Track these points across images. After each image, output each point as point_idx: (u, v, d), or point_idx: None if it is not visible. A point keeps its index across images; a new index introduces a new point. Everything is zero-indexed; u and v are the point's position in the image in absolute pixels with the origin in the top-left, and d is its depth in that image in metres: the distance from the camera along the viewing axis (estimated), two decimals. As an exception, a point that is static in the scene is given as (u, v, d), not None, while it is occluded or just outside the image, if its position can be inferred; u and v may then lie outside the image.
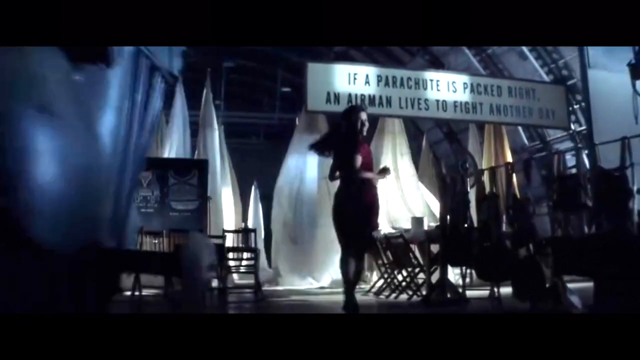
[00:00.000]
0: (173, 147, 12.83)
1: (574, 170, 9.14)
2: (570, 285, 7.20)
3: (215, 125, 13.55)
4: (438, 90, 12.27)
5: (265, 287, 12.24)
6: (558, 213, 7.37)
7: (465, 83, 12.51)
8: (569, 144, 15.30)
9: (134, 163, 4.51)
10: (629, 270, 5.76)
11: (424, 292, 9.25)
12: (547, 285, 7.19)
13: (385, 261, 10.28)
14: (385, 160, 13.56)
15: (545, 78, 14.68)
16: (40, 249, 3.30)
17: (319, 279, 12.53)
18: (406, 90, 12.00)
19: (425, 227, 10.23)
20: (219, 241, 9.47)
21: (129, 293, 9.09)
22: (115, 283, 4.63)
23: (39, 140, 3.38)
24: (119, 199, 4.36)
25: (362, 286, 11.53)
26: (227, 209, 14.31)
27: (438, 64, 15.76)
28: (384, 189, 13.33)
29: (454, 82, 12.43)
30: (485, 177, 8.43)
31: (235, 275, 12.16)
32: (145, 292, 9.31)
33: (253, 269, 9.64)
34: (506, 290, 7.97)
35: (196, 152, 13.29)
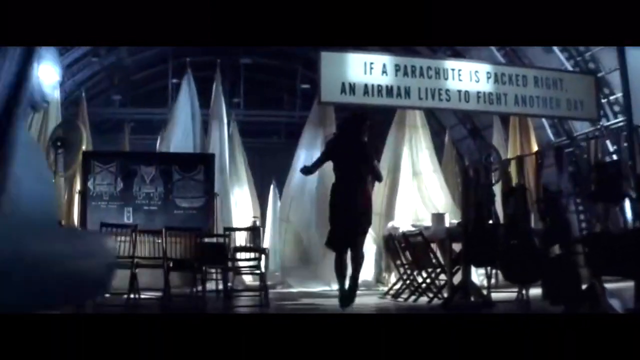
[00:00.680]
0: (174, 144, 12.08)
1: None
2: (609, 287, 6.35)
3: (225, 119, 12.77)
4: (460, 80, 11.31)
5: (277, 290, 11.46)
6: (596, 206, 6.44)
7: (488, 72, 11.55)
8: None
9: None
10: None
11: (445, 295, 8.49)
12: (584, 287, 6.37)
13: (404, 261, 9.47)
14: (404, 155, 12.69)
15: (572, 71, 13.74)
16: None
17: (331, 280, 11.65)
18: (426, 80, 11.08)
19: (447, 224, 9.32)
20: (220, 240, 8.62)
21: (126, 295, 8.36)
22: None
23: None
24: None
25: (380, 288, 10.71)
26: (241, 206, 13.64)
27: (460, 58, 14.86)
28: (403, 185, 12.56)
29: (476, 72, 11.47)
30: (512, 168, 7.52)
31: (250, 277, 11.28)
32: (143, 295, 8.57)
33: (257, 271, 8.77)
34: (535, 292, 7.33)
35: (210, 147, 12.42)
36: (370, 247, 11.00)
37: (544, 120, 15.13)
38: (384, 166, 12.78)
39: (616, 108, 14.08)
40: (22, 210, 1.59)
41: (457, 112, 18.24)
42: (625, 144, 7.41)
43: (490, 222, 7.70)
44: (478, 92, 11.34)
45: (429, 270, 8.85)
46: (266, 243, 13.61)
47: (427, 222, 10.41)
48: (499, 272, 8.43)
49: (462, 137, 18.21)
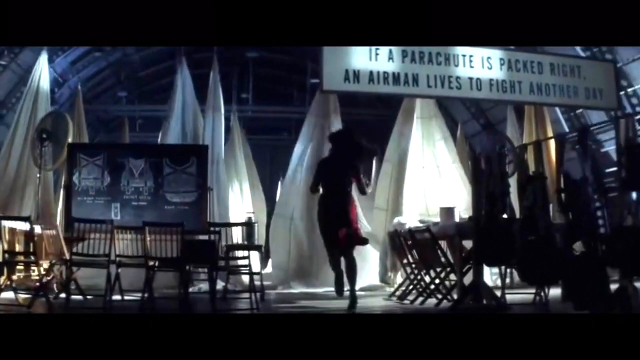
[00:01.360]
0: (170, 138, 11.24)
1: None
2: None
3: (222, 109, 11.83)
4: (471, 67, 10.38)
5: (278, 291, 10.54)
6: (626, 195, 5.46)
7: (501, 59, 10.59)
8: (613, 134, 13.35)
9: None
10: None
11: (455, 296, 7.65)
12: (612, 289, 5.54)
13: (411, 260, 8.54)
14: (416, 148, 11.73)
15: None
16: None
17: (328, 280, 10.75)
18: (435, 67, 10.15)
19: (458, 219, 8.35)
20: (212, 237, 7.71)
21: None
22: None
23: None
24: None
25: (387, 289, 9.76)
26: (241, 202, 12.70)
27: (471, 43, 13.96)
28: (411, 179, 11.62)
29: (489, 58, 10.52)
30: (529, 155, 6.54)
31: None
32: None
33: (246, 270, 7.85)
34: (555, 292, 6.62)
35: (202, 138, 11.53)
36: (373, 245, 10.13)
37: (559, 113, 14.25)
38: (388, 159, 11.89)
39: (634, 100, 13.16)
40: None
41: (470, 107, 17.69)
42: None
43: (505, 216, 6.79)
44: (490, 80, 10.45)
45: (438, 269, 7.93)
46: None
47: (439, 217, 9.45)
48: (514, 271, 7.84)
49: (476, 132, 17.29)
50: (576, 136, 5.91)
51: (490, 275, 9.89)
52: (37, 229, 8.35)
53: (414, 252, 8.42)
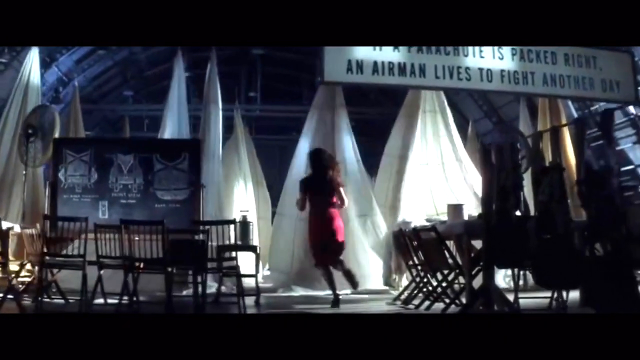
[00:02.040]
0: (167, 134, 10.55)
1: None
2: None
3: (220, 103, 11.05)
4: (481, 57, 9.68)
5: (278, 294, 9.79)
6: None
7: (513, 49, 9.88)
8: (629, 131, 12.68)
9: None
10: None
11: (464, 301, 6.79)
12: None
13: (417, 262, 7.74)
14: (422, 144, 10.95)
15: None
16: None
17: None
18: (443, 57, 9.44)
19: (466, 217, 7.56)
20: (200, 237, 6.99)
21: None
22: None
23: None
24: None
25: (394, 293, 8.98)
26: (242, 201, 12.24)
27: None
28: (421, 176, 10.85)
29: (500, 48, 9.74)
30: (545, 143, 5.73)
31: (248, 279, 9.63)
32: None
33: (235, 272, 7.11)
34: (573, 296, 5.94)
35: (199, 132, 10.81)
36: (377, 249, 9.38)
37: (573, 110, 13.43)
38: (388, 153, 11.12)
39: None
40: None
41: (482, 105, 16.88)
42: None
43: (518, 212, 5.96)
44: (502, 71, 9.75)
45: (445, 272, 7.16)
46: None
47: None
48: (528, 273, 7.18)
49: (487, 131, 16.45)
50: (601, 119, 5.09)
51: (503, 278, 9.12)
52: (17, 228, 7.69)
53: (420, 253, 7.65)
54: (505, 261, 6.30)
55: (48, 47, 12.70)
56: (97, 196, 8.94)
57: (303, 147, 11.17)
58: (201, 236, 6.97)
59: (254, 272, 8.60)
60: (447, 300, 7.07)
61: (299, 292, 9.90)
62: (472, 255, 6.79)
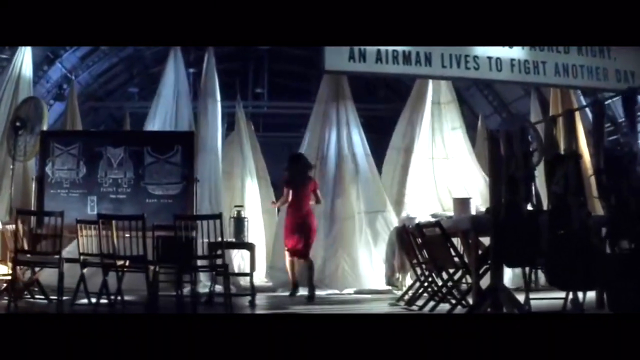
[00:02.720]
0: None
1: None
2: None
3: (218, 97, 10.46)
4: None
5: (278, 293, 9.22)
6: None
7: (524, 37, 9.16)
8: (644, 126, 11.85)
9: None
10: None
11: (470, 302, 6.24)
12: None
13: (421, 260, 7.13)
14: (429, 137, 10.36)
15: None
16: None
17: (334, 282, 9.37)
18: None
19: (474, 212, 6.94)
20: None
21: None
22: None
23: None
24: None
25: (396, 292, 8.36)
26: (250, 196, 11.80)
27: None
28: (426, 170, 10.25)
29: (510, 36, 9.10)
30: (559, 129, 5.10)
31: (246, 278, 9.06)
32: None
33: (223, 271, 6.52)
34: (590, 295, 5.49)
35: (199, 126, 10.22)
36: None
37: (584, 103, 12.79)
38: (393, 146, 10.55)
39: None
40: None
41: (492, 101, 16.26)
42: None
43: (529, 206, 5.35)
44: (512, 60, 9.25)
45: (450, 271, 6.53)
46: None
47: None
48: (540, 272, 6.48)
49: (498, 127, 15.76)
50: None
51: (513, 277, 8.48)
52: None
53: (424, 250, 7.04)
54: (515, 259, 5.67)
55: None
56: (85, 191, 8.35)
57: (309, 142, 10.61)
58: (179, 232, 6.35)
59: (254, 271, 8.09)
60: (453, 301, 6.51)
61: (299, 292, 9.29)
62: (480, 252, 6.28)
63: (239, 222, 7.82)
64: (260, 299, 8.40)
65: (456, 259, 6.44)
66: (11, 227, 6.92)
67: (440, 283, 6.81)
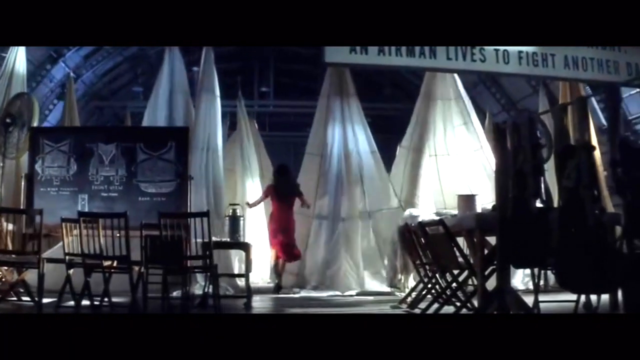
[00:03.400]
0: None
1: None
2: None
3: (217, 92, 10.06)
4: (498, 36, 8.58)
5: (280, 295, 8.79)
6: None
7: (532, 28, 8.72)
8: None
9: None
10: None
11: (476, 305, 5.75)
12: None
13: (424, 260, 6.67)
14: (432, 133, 9.97)
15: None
16: None
17: (336, 284, 8.95)
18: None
19: (479, 209, 6.50)
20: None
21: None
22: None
23: None
24: None
25: (398, 294, 7.95)
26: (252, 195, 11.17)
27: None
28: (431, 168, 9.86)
29: (517, 27, 8.66)
30: (570, 118, 4.66)
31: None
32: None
33: (213, 272, 6.11)
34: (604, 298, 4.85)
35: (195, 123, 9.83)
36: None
37: (594, 102, 12.35)
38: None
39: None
40: None
41: (500, 99, 15.91)
42: None
43: (539, 202, 4.90)
44: (520, 52, 8.74)
45: (455, 272, 6.07)
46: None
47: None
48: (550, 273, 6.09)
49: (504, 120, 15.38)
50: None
51: (522, 277, 8.04)
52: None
53: (427, 250, 6.60)
54: (523, 260, 5.20)
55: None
56: (76, 189, 8.01)
57: (313, 138, 10.31)
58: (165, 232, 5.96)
59: (253, 272, 7.69)
60: (458, 304, 6.01)
61: (300, 293, 8.89)
62: (486, 252, 5.77)
63: (235, 221, 7.40)
64: (262, 300, 8.05)
65: (460, 260, 5.98)
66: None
67: (444, 285, 6.37)
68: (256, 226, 10.79)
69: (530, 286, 7.30)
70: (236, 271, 9.00)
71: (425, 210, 8.50)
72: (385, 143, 12.03)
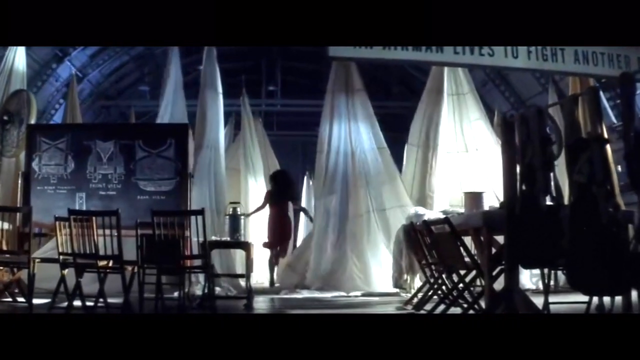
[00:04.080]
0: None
1: None
2: None
3: (220, 88, 9.86)
4: (506, 30, 8.32)
5: (281, 296, 8.57)
6: None
7: (542, 22, 8.46)
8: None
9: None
10: None
11: (483, 306, 5.49)
12: None
13: (430, 260, 6.44)
14: (445, 130, 9.73)
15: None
16: None
17: (341, 284, 8.70)
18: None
19: (487, 207, 6.25)
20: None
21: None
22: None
23: None
24: None
25: (404, 295, 7.71)
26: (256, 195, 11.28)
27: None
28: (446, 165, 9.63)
29: (527, 21, 8.40)
30: (581, 110, 4.41)
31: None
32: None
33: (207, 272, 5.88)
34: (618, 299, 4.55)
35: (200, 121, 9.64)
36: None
37: (605, 101, 12.08)
38: (411, 142, 9.93)
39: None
40: None
41: (509, 97, 15.67)
42: None
43: (548, 199, 4.63)
44: (529, 47, 8.39)
45: (462, 272, 5.85)
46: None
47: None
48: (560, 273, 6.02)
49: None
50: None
51: (531, 277, 7.76)
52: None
53: (433, 250, 6.35)
54: (532, 259, 4.96)
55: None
56: (73, 187, 7.81)
57: (320, 135, 10.07)
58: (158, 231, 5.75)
59: (256, 272, 7.50)
60: (465, 305, 5.79)
61: (304, 294, 8.64)
62: (493, 252, 5.48)
63: (235, 220, 7.19)
64: (262, 301, 7.82)
65: (467, 259, 5.74)
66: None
67: (450, 285, 6.12)
68: (258, 226, 10.62)
69: (540, 285, 7.04)
70: (239, 271, 8.79)
71: (432, 209, 8.25)
72: (394, 141, 11.82)
